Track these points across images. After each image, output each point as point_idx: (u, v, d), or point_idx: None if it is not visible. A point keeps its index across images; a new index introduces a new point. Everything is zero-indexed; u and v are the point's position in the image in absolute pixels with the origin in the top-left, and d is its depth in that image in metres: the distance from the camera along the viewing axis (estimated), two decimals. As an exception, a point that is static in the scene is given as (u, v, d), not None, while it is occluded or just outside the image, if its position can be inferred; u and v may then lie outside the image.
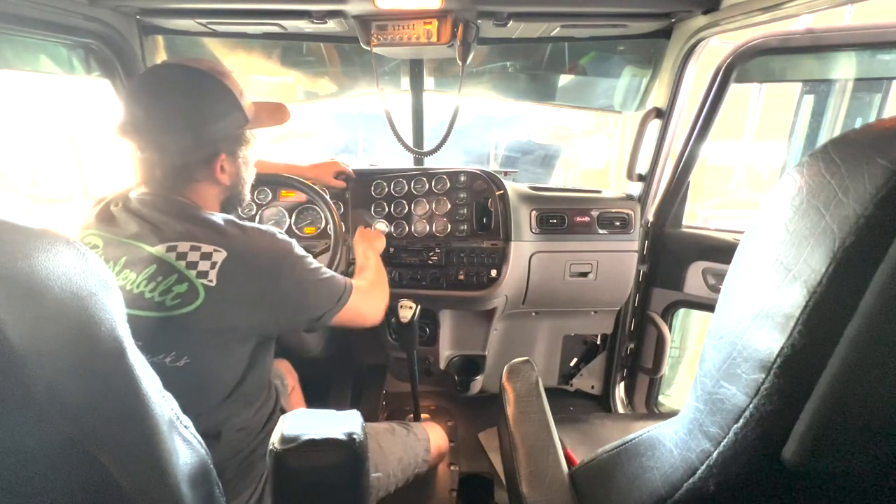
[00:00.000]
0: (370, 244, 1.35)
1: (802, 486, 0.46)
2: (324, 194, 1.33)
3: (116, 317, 0.38)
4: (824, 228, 0.37)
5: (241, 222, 0.92)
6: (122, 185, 1.00)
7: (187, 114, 0.86)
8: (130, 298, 0.83)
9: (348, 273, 1.56)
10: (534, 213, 1.60)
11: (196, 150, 0.89)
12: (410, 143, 1.70)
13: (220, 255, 0.85)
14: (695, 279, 1.65)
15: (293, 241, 0.95)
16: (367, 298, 1.12)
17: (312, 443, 0.53)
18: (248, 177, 1.03)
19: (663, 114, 1.50)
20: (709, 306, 1.66)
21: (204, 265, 0.84)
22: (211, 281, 0.84)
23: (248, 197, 1.06)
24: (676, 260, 1.68)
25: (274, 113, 1.02)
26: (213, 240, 0.86)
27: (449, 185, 1.61)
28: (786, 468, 0.41)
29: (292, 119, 1.06)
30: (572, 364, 2.01)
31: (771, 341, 0.40)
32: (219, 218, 0.91)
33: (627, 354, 1.93)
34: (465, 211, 1.59)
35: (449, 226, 1.59)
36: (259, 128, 1.00)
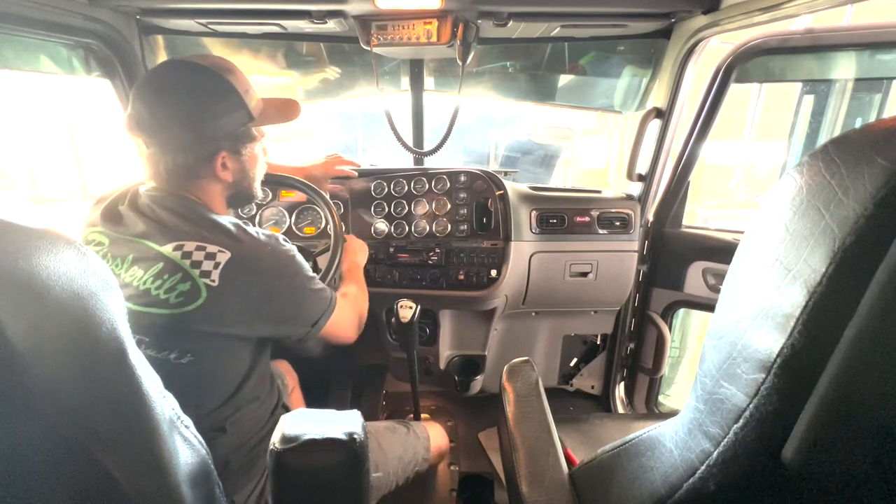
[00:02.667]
0: (354, 256, 1.35)
1: (802, 486, 0.46)
2: (324, 194, 1.33)
3: (117, 317, 0.38)
4: (824, 228, 0.37)
5: (246, 226, 0.94)
6: (126, 181, 1.01)
7: (187, 111, 0.87)
8: (138, 295, 0.85)
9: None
10: (534, 213, 1.60)
11: (195, 147, 0.89)
12: (410, 143, 1.70)
13: (224, 256, 0.86)
14: (695, 279, 1.65)
15: (294, 249, 0.97)
16: (350, 311, 1.12)
17: (313, 442, 0.53)
18: (257, 173, 1.03)
19: (663, 114, 1.50)
20: (709, 306, 1.66)
21: (208, 265, 0.85)
22: (213, 281, 0.85)
23: (258, 193, 1.06)
24: (676, 260, 1.68)
25: (282, 109, 1.02)
26: (219, 241, 0.87)
27: (449, 185, 1.61)
28: (786, 468, 0.41)
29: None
30: (572, 364, 2.01)
31: (771, 341, 0.40)
32: (226, 220, 0.92)
33: (627, 354, 1.93)
34: (465, 211, 1.59)
35: (449, 226, 1.59)
36: (266, 124, 1.00)
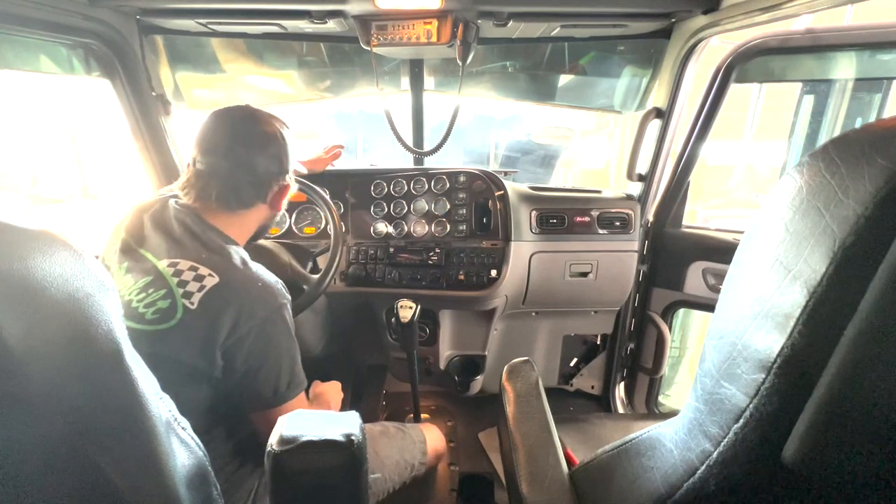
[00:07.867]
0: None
1: (802, 486, 0.46)
2: (324, 194, 1.33)
3: (113, 318, 0.38)
4: (824, 228, 0.37)
5: (251, 262, 0.93)
6: (164, 191, 1.06)
7: (263, 150, 0.94)
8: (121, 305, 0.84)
9: (349, 275, 1.57)
10: (534, 213, 1.60)
11: (260, 181, 0.96)
12: (410, 143, 1.70)
13: (211, 280, 0.84)
14: (695, 279, 1.65)
15: (287, 302, 0.93)
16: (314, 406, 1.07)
17: (311, 444, 0.53)
18: (284, 205, 1.08)
19: (663, 114, 1.50)
20: (709, 306, 1.66)
21: (193, 286, 0.83)
22: (192, 303, 0.82)
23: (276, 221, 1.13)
24: (676, 260, 1.68)
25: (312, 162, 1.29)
26: (214, 264, 0.86)
27: (448, 185, 1.61)
28: (786, 468, 0.41)
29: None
30: (572, 364, 2.00)
31: (771, 341, 0.40)
32: (234, 251, 0.92)
33: (627, 354, 1.93)
34: (465, 211, 1.58)
35: (448, 226, 1.59)
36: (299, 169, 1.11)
